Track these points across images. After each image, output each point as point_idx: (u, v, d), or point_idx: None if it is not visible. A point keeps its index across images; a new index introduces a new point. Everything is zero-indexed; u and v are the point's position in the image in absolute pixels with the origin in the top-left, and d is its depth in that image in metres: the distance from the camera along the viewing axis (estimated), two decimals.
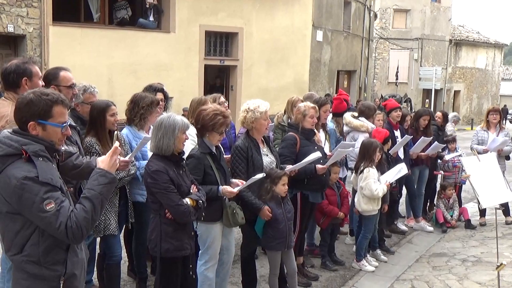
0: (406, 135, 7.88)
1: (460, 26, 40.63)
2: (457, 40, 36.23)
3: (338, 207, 6.61)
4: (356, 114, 7.61)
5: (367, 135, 7.32)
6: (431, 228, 8.68)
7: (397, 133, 8.02)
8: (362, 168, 6.58)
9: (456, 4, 40.03)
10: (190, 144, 4.93)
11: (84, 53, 12.93)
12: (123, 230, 5.52)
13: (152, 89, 5.94)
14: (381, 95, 26.59)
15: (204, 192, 4.38)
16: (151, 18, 14.47)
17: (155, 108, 5.32)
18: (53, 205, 2.75)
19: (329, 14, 20.10)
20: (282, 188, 5.20)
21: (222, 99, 6.40)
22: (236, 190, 4.68)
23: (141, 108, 5.25)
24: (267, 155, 5.33)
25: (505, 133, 8.80)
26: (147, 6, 14.37)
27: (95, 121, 4.77)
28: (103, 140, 4.74)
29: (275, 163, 5.36)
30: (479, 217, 9.11)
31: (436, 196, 9.44)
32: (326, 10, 19.81)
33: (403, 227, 8.56)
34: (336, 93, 20.97)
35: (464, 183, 9.52)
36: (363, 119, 7.51)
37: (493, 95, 40.63)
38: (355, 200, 6.75)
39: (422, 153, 8.29)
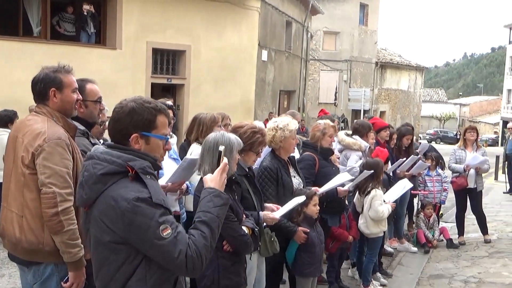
0: (412, 155, 7.72)
1: (383, 49, 42.03)
2: (382, 63, 37.37)
3: (346, 230, 6.26)
4: (350, 132, 7.33)
5: (360, 153, 7.06)
6: (415, 249, 8.51)
7: None
8: (369, 189, 6.28)
9: (380, 28, 41.58)
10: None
11: (24, 69, 11.81)
12: None
13: None
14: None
15: (253, 219, 3.88)
16: (92, 29, 13.70)
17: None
18: (169, 230, 2.27)
19: (273, 34, 20.00)
20: (313, 209, 4.82)
21: (229, 121, 6.04)
22: (278, 216, 4.21)
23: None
24: (294, 177, 4.92)
25: (482, 152, 8.83)
26: (85, 13, 13.58)
27: None
28: None
29: (302, 185, 4.94)
30: (457, 236, 9.07)
31: (414, 214, 9.36)
32: (271, 30, 19.70)
33: (389, 249, 8.34)
34: (278, 113, 20.91)
35: (444, 203, 9.50)
36: (357, 137, 7.23)
37: (415, 115, 42.25)
38: (360, 222, 6.43)
39: (407, 173, 8.16)
